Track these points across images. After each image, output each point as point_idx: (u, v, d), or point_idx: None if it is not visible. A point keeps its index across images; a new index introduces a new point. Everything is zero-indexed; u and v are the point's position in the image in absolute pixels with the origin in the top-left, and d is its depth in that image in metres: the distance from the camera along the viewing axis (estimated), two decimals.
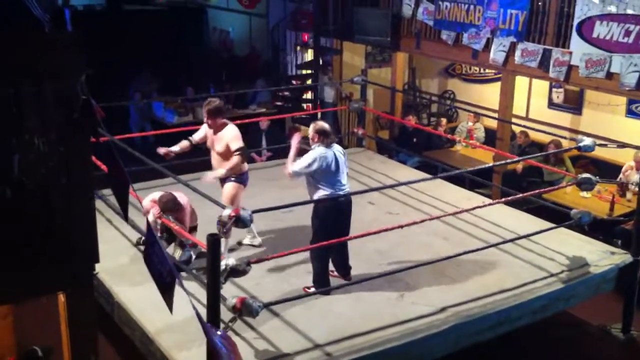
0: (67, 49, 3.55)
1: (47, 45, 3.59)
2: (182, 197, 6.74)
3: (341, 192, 6.35)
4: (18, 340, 5.70)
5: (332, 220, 6.34)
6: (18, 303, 5.11)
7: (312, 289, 6.42)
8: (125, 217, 4.28)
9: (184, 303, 3.71)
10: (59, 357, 4.65)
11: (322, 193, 6.29)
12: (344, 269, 6.70)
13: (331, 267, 6.62)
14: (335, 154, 6.35)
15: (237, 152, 6.78)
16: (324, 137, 6.35)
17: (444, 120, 12.47)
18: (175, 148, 7.10)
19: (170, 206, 6.57)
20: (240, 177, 7.01)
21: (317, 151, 6.28)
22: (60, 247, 3.74)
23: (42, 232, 3.68)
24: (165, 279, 3.65)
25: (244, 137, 11.05)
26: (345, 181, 6.47)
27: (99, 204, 7.60)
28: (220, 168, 6.90)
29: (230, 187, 6.95)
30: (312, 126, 6.48)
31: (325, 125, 6.49)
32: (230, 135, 6.86)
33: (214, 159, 7.05)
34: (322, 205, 6.31)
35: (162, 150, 7.08)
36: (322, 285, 6.44)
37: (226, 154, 6.87)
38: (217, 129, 6.91)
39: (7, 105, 3.43)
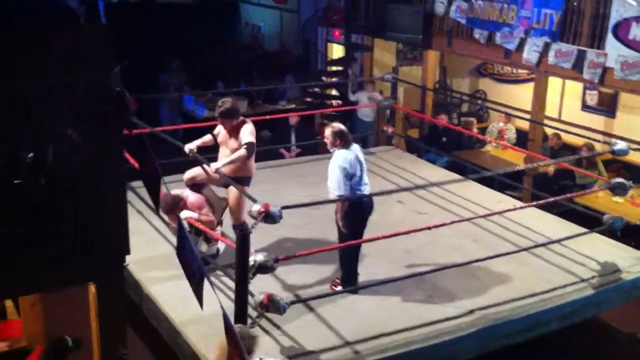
0: (101, 41, 3.57)
1: (82, 37, 3.62)
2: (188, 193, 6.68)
3: (365, 192, 6.30)
4: (47, 329, 5.75)
5: (361, 220, 6.30)
6: (48, 292, 5.15)
7: (339, 287, 6.39)
8: (157, 209, 4.32)
9: (211, 296, 3.71)
10: (87, 346, 4.69)
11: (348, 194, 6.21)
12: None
13: None
14: (357, 155, 6.30)
15: (245, 145, 6.44)
16: (344, 140, 6.26)
17: (474, 121, 12.35)
18: (197, 142, 6.86)
19: (171, 205, 6.47)
20: (241, 180, 6.64)
21: (342, 157, 6.19)
22: (91, 238, 3.77)
23: (74, 222, 3.71)
24: (196, 274, 3.67)
25: (274, 132, 11.13)
26: (367, 179, 6.42)
27: (130, 195, 7.68)
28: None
29: (235, 191, 6.65)
30: (329, 130, 6.33)
31: (342, 126, 6.38)
32: (246, 131, 6.57)
33: (225, 155, 6.70)
34: (351, 206, 6.24)
35: (187, 149, 6.84)
36: (350, 284, 6.41)
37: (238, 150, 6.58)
38: (232, 128, 6.62)
39: (41, 97, 3.46)
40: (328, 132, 6.32)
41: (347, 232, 6.29)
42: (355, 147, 6.38)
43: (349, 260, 6.42)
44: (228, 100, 6.71)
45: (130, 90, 3.78)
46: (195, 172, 6.76)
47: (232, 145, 6.60)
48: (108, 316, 4.02)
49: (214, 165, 6.46)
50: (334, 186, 6.14)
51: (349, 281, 6.43)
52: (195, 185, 6.74)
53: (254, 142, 6.52)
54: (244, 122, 6.63)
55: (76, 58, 3.51)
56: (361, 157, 6.36)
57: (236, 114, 6.57)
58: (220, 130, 6.80)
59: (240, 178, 6.54)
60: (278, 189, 7.62)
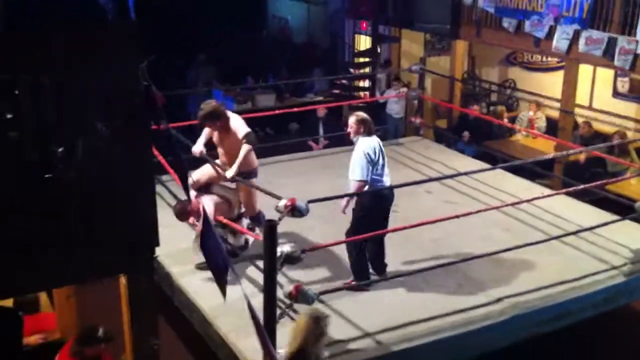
0: (130, 36, 3.62)
1: (111, 32, 3.67)
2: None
3: (386, 183, 6.26)
4: (80, 321, 5.85)
5: (377, 211, 6.24)
6: (81, 284, 5.24)
7: (353, 282, 6.29)
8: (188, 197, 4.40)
9: (240, 290, 3.75)
10: (120, 337, 4.77)
11: (370, 183, 6.16)
12: (380, 265, 6.55)
13: None
14: (379, 144, 6.27)
15: (245, 140, 6.34)
16: (366, 127, 6.24)
17: (504, 109, 12.23)
18: (202, 140, 6.74)
19: (181, 212, 6.45)
20: (249, 174, 6.57)
21: (364, 144, 6.15)
22: (122, 230, 3.83)
23: (104, 215, 3.76)
24: (220, 267, 3.70)
25: (302, 124, 11.16)
26: (388, 171, 6.38)
27: (160, 189, 7.77)
28: (229, 163, 6.51)
29: (244, 189, 6.64)
30: (353, 118, 6.32)
31: (365, 115, 6.38)
32: (237, 124, 6.47)
33: (224, 155, 6.64)
34: (369, 196, 6.20)
35: (197, 152, 6.75)
36: (362, 276, 6.33)
37: (237, 145, 6.44)
38: (221, 127, 6.50)
39: (71, 92, 3.51)
40: (352, 120, 6.31)
41: (359, 222, 6.22)
42: (376, 138, 6.34)
43: (357, 251, 6.30)
44: (208, 102, 6.57)
45: (158, 86, 3.82)
46: (198, 174, 6.66)
47: (228, 142, 6.51)
48: (139, 307, 4.08)
49: (228, 174, 6.42)
50: (357, 172, 6.07)
51: (360, 273, 6.33)
52: (203, 187, 6.70)
53: (251, 131, 6.47)
54: (228, 121, 6.48)
55: (105, 53, 3.56)
56: (382, 147, 6.32)
57: (218, 115, 6.41)
58: (209, 133, 6.72)
59: (244, 173, 6.48)
60: (306, 180, 7.64)
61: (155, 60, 4.00)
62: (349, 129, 6.38)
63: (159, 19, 13.81)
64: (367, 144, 6.15)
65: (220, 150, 6.68)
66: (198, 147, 6.72)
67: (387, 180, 6.29)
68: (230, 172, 6.38)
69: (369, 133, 6.25)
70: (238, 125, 6.47)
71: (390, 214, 6.42)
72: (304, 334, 4.54)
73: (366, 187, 6.12)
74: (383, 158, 6.27)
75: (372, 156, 6.11)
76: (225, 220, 6.59)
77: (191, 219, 6.58)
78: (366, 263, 6.38)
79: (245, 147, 6.34)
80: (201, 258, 6.38)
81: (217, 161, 6.65)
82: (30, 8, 3.88)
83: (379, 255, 6.52)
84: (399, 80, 11.98)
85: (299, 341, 4.52)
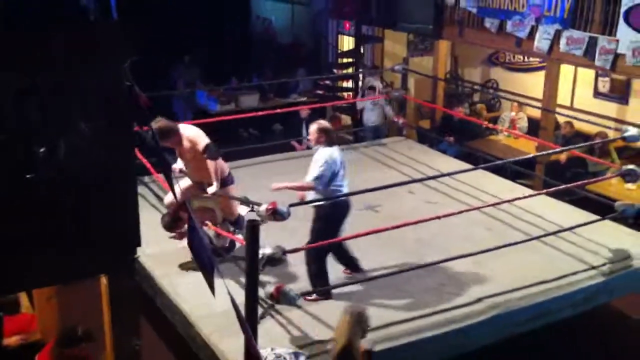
0: (113, 36, 3.61)
1: (93, 32, 3.66)
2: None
3: (343, 191, 6.18)
4: (61, 322, 5.83)
5: (336, 221, 6.17)
6: (62, 285, 5.22)
7: (314, 295, 6.16)
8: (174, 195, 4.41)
9: (224, 289, 3.75)
10: (101, 338, 4.75)
11: (326, 194, 6.08)
12: (353, 263, 6.59)
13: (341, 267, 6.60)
14: (339, 155, 6.19)
15: (207, 155, 6.31)
16: (327, 137, 6.15)
17: (483, 107, 12.27)
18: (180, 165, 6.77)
19: (170, 225, 6.47)
20: (225, 182, 6.57)
21: (326, 153, 6.08)
22: (103, 230, 3.82)
23: (86, 215, 3.76)
24: (207, 265, 3.72)
25: (285, 125, 11.17)
26: (347, 183, 6.30)
27: (143, 189, 7.75)
28: (199, 176, 6.57)
29: (222, 200, 6.63)
30: (314, 126, 6.22)
31: (327, 123, 6.32)
32: (193, 137, 6.38)
33: (188, 166, 6.62)
34: (328, 207, 6.08)
35: (177, 169, 6.75)
36: (323, 286, 6.24)
37: (198, 159, 6.41)
38: (175, 144, 6.42)
39: (53, 91, 3.51)
40: (313, 128, 6.21)
41: (318, 232, 6.14)
42: (337, 148, 6.24)
43: (317, 261, 6.20)
44: (157, 121, 6.22)
45: (142, 86, 3.82)
46: (171, 197, 6.55)
47: (188, 156, 6.50)
48: (120, 308, 4.07)
49: (210, 191, 6.43)
50: (312, 174, 5.99)
51: (321, 283, 6.22)
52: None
53: (210, 142, 6.38)
54: (183, 133, 6.39)
55: (88, 53, 3.56)
56: (342, 158, 6.23)
57: (166, 133, 6.21)
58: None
59: (221, 182, 6.47)
60: (289, 181, 7.59)
61: (139, 60, 3.99)
62: (309, 137, 6.30)
63: (143, 19, 13.79)
64: (327, 154, 6.07)
65: (185, 164, 6.65)
66: (178, 164, 6.72)
67: (345, 189, 6.22)
68: (212, 189, 6.41)
69: (329, 143, 6.15)
70: (194, 138, 6.39)
71: (368, 215, 6.45)
72: (350, 330, 4.69)
73: (328, 194, 6.04)
74: (343, 169, 6.20)
75: (332, 165, 6.03)
76: (213, 227, 6.60)
77: (179, 231, 6.56)
78: (326, 273, 6.28)
79: (210, 164, 6.32)
80: (186, 258, 6.44)
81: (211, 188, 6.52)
82: (12, 8, 3.87)
83: (349, 257, 6.53)
84: (373, 89, 11.96)
85: (346, 337, 4.66)
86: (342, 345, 4.66)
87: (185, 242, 6.44)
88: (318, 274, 6.24)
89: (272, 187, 6.16)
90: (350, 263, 6.59)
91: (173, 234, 6.63)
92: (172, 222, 6.42)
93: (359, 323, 4.75)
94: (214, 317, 5.74)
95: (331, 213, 6.13)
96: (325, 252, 6.24)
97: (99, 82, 3.59)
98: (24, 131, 3.48)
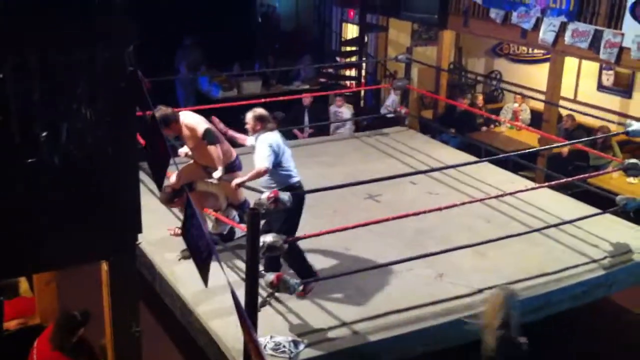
0: (117, 18, 3.59)
1: (97, 13, 3.63)
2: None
3: (296, 177, 6.08)
4: (61, 307, 5.83)
5: (297, 207, 5.90)
6: (62, 270, 5.22)
7: (301, 288, 5.88)
8: (160, 190, 4.37)
9: (223, 276, 3.74)
10: (100, 324, 4.75)
11: (280, 180, 5.99)
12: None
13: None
14: (281, 138, 6.09)
15: (206, 140, 6.29)
16: (265, 123, 6.04)
17: (480, 97, 12.23)
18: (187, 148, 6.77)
19: (168, 199, 6.53)
20: (231, 167, 6.56)
21: (267, 138, 5.97)
22: (105, 216, 3.81)
23: (87, 200, 3.75)
24: (203, 253, 3.69)
25: (287, 113, 11.13)
26: (294, 164, 6.18)
27: (143, 175, 7.73)
28: (204, 162, 6.54)
29: (227, 185, 6.53)
30: (250, 114, 6.09)
31: (264, 111, 6.16)
32: (192, 124, 6.39)
33: (193, 153, 6.63)
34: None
35: (182, 153, 6.80)
36: (310, 275, 6.12)
37: (201, 145, 6.41)
38: (177, 131, 6.42)
39: (57, 73, 3.49)
40: (249, 116, 6.10)
41: (284, 223, 5.92)
42: (277, 134, 6.13)
43: (296, 253, 6.02)
44: (157, 109, 6.13)
45: (146, 70, 3.80)
46: (173, 180, 6.49)
47: (191, 142, 6.49)
48: (120, 293, 4.06)
49: (215, 176, 6.40)
50: (259, 161, 5.88)
51: (307, 273, 6.10)
52: (185, 185, 6.64)
53: (208, 128, 6.37)
54: (183, 120, 6.41)
55: (92, 35, 3.54)
56: (285, 144, 6.13)
57: (166, 122, 6.16)
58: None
59: (226, 168, 6.45)
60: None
61: (142, 44, 3.96)
62: (246, 126, 6.17)
63: (147, 3, 13.72)
64: (269, 138, 5.96)
65: (189, 148, 6.66)
66: (184, 149, 6.73)
67: (296, 174, 6.13)
68: (216, 174, 6.37)
69: (267, 129, 6.03)
70: (193, 125, 6.38)
71: (369, 204, 6.39)
72: (504, 309, 4.81)
73: (282, 180, 5.96)
74: (287, 154, 6.07)
75: (275, 148, 5.92)
76: (213, 213, 6.60)
77: (176, 206, 6.60)
78: (305, 258, 6.20)
79: (211, 149, 6.30)
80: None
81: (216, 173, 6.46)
82: None
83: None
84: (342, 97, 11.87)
85: (502, 316, 4.80)
86: (500, 322, 4.82)
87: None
88: (301, 265, 6.13)
89: (233, 184, 6.14)
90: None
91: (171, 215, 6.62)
92: (173, 195, 6.46)
93: (512, 301, 4.91)
94: (213, 303, 5.75)
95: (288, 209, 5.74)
96: (297, 246, 6.07)
97: (102, 66, 3.57)
98: (25, 114, 3.47)
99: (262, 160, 5.90)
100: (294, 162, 6.18)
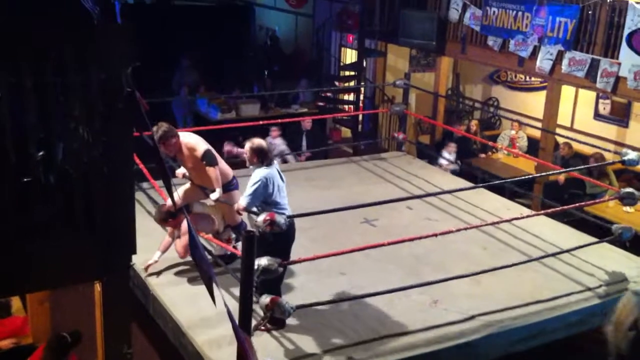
0: (115, 40, 3.61)
1: (96, 36, 3.65)
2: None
3: (285, 213, 5.79)
4: (53, 326, 5.80)
5: (280, 244, 5.72)
6: (55, 289, 5.20)
7: (267, 326, 5.76)
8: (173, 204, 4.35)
9: (217, 298, 3.73)
10: (92, 345, 4.72)
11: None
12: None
13: None
14: (278, 174, 5.92)
15: (205, 162, 6.24)
16: (263, 157, 5.84)
17: (474, 122, 12.26)
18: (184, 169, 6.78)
19: (163, 218, 6.51)
20: (228, 187, 6.52)
21: (259, 173, 5.78)
22: (99, 236, 3.80)
23: (82, 220, 3.74)
24: (205, 274, 3.71)
25: (285, 136, 11.15)
26: (287, 205, 6.01)
27: (138, 195, 7.73)
28: (201, 183, 6.53)
29: (224, 206, 6.58)
30: (248, 146, 5.89)
31: (263, 143, 5.94)
32: (192, 144, 6.35)
33: (190, 172, 6.62)
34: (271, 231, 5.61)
35: (180, 174, 6.78)
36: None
37: (199, 166, 6.37)
38: (177, 149, 6.36)
39: (54, 93, 3.50)
40: (247, 147, 5.93)
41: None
42: (276, 166, 6.00)
43: (269, 291, 5.61)
44: (159, 126, 6.23)
45: (144, 91, 3.80)
46: (170, 203, 6.41)
47: (189, 162, 6.48)
48: (113, 314, 4.04)
49: (212, 197, 6.38)
50: (245, 199, 5.78)
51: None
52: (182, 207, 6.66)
53: (208, 149, 6.33)
54: (179, 142, 6.35)
55: (90, 56, 3.55)
56: (280, 179, 5.96)
57: (167, 136, 6.17)
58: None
59: (223, 187, 6.43)
60: (288, 193, 7.59)
61: (143, 66, 3.98)
62: (244, 155, 6.05)
63: (148, 25, 13.83)
64: (260, 175, 5.78)
65: (186, 169, 6.67)
66: (181, 170, 6.74)
67: (286, 211, 5.90)
68: (214, 195, 6.35)
69: (264, 163, 5.85)
70: (193, 145, 6.37)
71: (365, 229, 6.40)
72: (636, 310, 4.57)
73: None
74: (280, 191, 5.90)
75: (261, 187, 5.74)
76: (206, 236, 6.59)
77: (169, 226, 6.60)
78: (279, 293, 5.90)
79: (210, 170, 6.26)
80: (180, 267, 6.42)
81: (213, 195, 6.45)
82: (15, 8, 3.86)
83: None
84: None
85: (633, 317, 4.55)
86: (632, 322, 4.72)
87: (179, 248, 6.47)
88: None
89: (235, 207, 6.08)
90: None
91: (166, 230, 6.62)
92: (168, 215, 6.45)
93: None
94: (206, 326, 5.71)
95: (272, 237, 5.60)
96: (277, 281, 5.84)
97: (100, 85, 3.58)
98: (22, 133, 3.47)
99: (244, 198, 5.80)
100: (286, 198, 6.00)
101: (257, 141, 5.93)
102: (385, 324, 6.01)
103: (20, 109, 3.43)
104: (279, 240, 5.66)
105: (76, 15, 3.96)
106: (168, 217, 6.52)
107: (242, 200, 5.86)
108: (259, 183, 5.73)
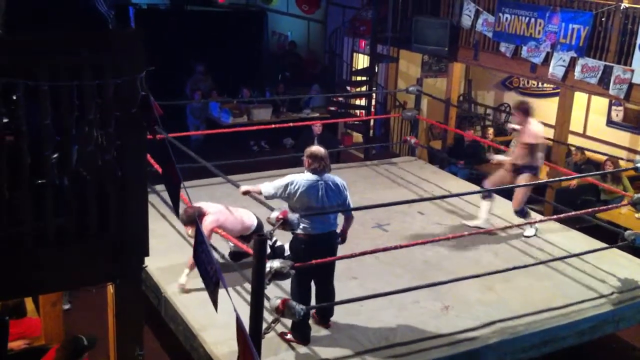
0: (129, 45, 3.64)
1: (110, 41, 3.69)
2: (212, 205, 6.62)
3: (316, 230, 5.64)
4: (66, 328, 5.83)
5: (306, 259, 5.55)
6: (68, 291, 5.23)
7: (289, 335, 5.79)
8: (177, 214, 4.37)
9: (229, 302, 3.74)
10: (104, 346, 4.75)
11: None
12: (323, 313, 6.03)
13: None
14: (323, 184, 5.67)
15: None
16: (311, 161, 5.70)
17: (490, 130, 12.25)
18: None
19: (192, 219, 6.46)
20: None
21: (293, 175, 5.71)
22: (112, 239, 3.83)
23: (96, 223, 3.77)
24: (212, 278, 3.70)
25: (297, 139, 11.16)
26: (330, 218, 5.76)
27: (152, 198, 7.76)
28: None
29: None
30: (307, 150, 5.82)
31: (315, 150, 5.77)
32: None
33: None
34: (296, 241, 5.70)
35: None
36: (300, 331, 5.77)
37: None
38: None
39: (69, 97, 3.53)
40: (306, 152, 5.86)
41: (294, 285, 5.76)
42: (329, 177, 5.78)
43: (297, 297, 5.59)
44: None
45: (158, 96, 3.83)
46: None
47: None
48: (125, 316, 4.07)
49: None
50: (268, 185, 5.74)
51: (299, 327, 5.75)
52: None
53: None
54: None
55: (104, 61, 3.58)
56: (331, 191, 5.73)
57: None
58: None
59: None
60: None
61: (157, 71, 4.01)
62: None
63: (162, 30, 13.89)
64: (290, 178, 5.66)
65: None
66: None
67: (317, 228, 5.66)
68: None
69: (316, 171, 5.69)
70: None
71: (377, 233, 6.39)
72: None
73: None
74: (318, 200, 5.64)
75: (289, 188, 5.61)
76: (223, 234, 6.56)
77: (190, 230, 6.56)
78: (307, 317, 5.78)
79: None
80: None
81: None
82: (31, 13, 3.90)
83: (323, 306, 5.98)
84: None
85: None
86: None
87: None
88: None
89: (241, 190, 6.17)
90: (322, 310, 6.04)
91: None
92: (190, 221, 6.36)
93: None
94: (217, 328, 5.72)
95: (300, 249, 5.65)
96: (305, 292, 5.80)
97: (114, 89, 3.61)
98: (37, 136, 3.50)
99: (269, 185, 5.80)
100: (330, 215, 5.77)
101: (312, 148, 5.85)
102: (397, 330, 6.00)
103: (36, 112, 3.47)
104: (301, 256, 5.60)
105: (91, 20, 4.00)
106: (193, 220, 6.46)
107: (264, 184, 5.86)
108: (283, 180, 5.71)
